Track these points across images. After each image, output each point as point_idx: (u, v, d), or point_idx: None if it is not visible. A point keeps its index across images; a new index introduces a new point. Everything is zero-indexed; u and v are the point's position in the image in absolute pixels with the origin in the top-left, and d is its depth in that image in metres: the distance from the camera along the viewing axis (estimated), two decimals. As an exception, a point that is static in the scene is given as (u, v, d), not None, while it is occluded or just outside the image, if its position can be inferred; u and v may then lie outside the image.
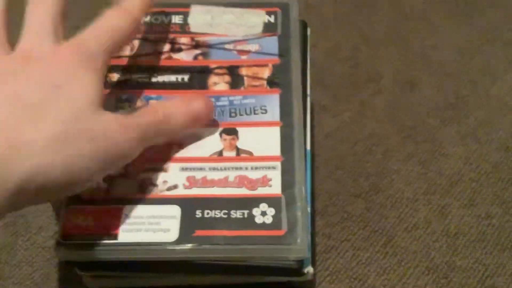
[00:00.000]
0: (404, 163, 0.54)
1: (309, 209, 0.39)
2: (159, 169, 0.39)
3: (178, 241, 0.36)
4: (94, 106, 0.34)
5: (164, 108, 0.38)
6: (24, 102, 0.32)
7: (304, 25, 0.48)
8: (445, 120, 0.57)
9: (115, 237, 0.36)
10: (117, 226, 0.36)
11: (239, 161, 0.39)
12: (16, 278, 0.47)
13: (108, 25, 0.37)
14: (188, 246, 0.36)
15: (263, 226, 0.36)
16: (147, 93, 0.42)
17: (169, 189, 0.38)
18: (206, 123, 0.40)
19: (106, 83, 0.41)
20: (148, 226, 0.36)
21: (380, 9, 0.67)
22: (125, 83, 0.42)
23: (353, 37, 0.64)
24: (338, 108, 0.58)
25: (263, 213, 0.37)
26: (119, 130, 0.34)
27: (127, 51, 0.44)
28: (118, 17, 0.38)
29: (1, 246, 0.49)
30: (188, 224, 0.36)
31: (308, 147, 0.42)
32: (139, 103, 0.42)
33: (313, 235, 0.47)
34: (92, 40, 0.36)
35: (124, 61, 0.43)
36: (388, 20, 0.65)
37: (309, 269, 0.38)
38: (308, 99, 0.45)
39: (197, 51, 0.44)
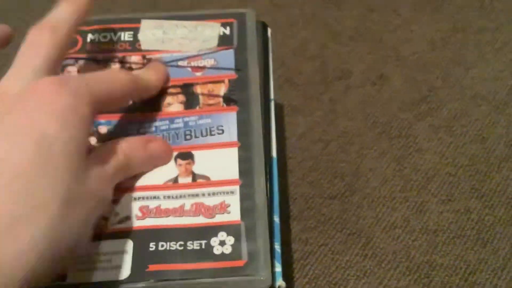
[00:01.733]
0: (379, 161, 0.52)
1: (277, 219, 0.36)
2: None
3: (130, 278, 0.32)
4: (82, 167, 0.30)
5: (124, 149, 0.34)
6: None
7: (263, 26, 0.43)
8: (418, 114, 0.54)
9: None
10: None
11: (195, 187, 0.35)
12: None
13: (108, 77, 0.34)
14: (141, 284, 0.32)
15: (222, 257, 0.33)
16: (95, 118, 0.37)
17: (120, 221, 0.34)
18: (164, 164, 0.36)
19: None
20: (99, 264, 0.32)
21: (347, 3, 0.64)
22: None
23: (320, 34, 0.62)
24: (309, 107, 0.56)
25: (222, 243, 0.33)
26: (101, 185, 0.32)
27: (73, 73, 0.40)
28: (124, 75, 0.35)
29: None
30: (141, 259, 0.32)
31: (274, 154, 0.38)
32: None
33: (288, 243, 0.45)
34: (83, 84, 0.32)
35: None
36: (356, 15, 0.62)
37: (281, 284, 0.34)
38: (272, 103, 0.41)
39: None
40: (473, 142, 0.51)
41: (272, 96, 0.42)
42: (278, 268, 0.34)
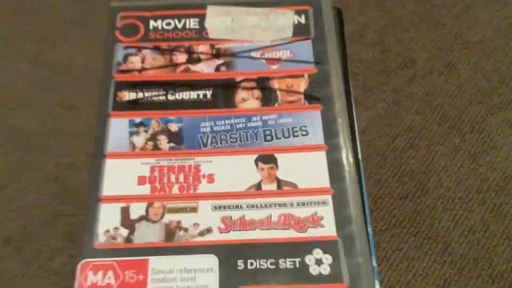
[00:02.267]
0: (451, 158, 0.48)
1: (370, 230, 0.33)
2: (187, 208, 0.32)
3: None
4: None
5: None
6: None
7: (339, 13, 0.39)
8: (490, 107, 0.50)
9: None
10: (143, 284, 0.29)
11: (282, 196, 0.32)
12: (30, 313, 0.41)
13: None
14: None
15: (320, 278, 0.29)
16: (164, 114, 0.35)
17: (201, 233, 0.31)
18: None
19: (116, 104, 0.35)
20: (181, 283, 0.29)
21: (405, -14, 0.60)
22: (138, 103, 0.35)
23: (379, 18, 0.58)
24: (371, 99, 0.52)
25: (318, 262, 0.30)
26: None
27: (137, 64, 0.37)
28: None
29: (11, 275, 0.43)
30: (228, 278, 0.29)
31: (360, 155, 0.35)
32: (156, 126, 0.34)
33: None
34: None
35: (135, 76, 0.36)
36: None
37: None
38: (352, 98, 0.37)
39: (219, 61, 0.37)
40: (552, 138, 0.47)
41: (352, 87, 0.38)
42: (377, 286, 0.31)
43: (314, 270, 0.30)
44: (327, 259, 0.30)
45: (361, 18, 0.56)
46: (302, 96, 0.35)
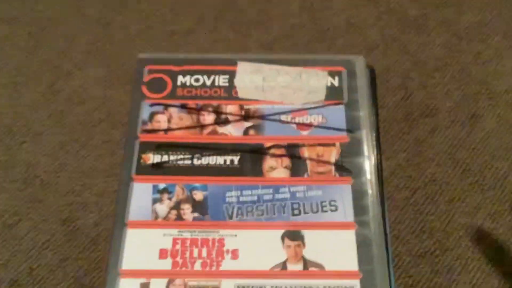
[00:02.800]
0: (472, 216, 0.47)
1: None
2: (209, 287, 0.31)
3: None
4: None
5: None
6: None
7: (372, 72, 0.39)
8: (514, 163, 0.50)
9: None
10: None
11: (308, 278, 0.31)
12: None
13: None
14: None
15: None
16: (189, 180, 0.34)
17: None
18: None
19: (140, 166, 0.34)
20: None
21: (432, 29, 0.58)
22: (163, 167, 0.34)
23: (403, 62, 0.57)
24: (392, 148, 0.51)
25: None
26: None
27: (163, 123, 0.36)
28: None
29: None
30: None
31: (388, 230, 0.34)
32: (180, 194, 0.33)
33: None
34: None
35: (160, 137, 0.35)
36: (441, 42, 0.56)
37: None
38: (382, 165, 0.37)
39: (248, 124, 0.36)
40: None
41: (381, 156, 0.37)
42: None
43: None
44: None
45: (385, 61, 0.55)
46: (332, 167, 0.34)
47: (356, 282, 0.30)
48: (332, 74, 0.37)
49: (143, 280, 0.30)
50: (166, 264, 0.31)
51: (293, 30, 0.57)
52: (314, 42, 0.56)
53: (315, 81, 0.37)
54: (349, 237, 0.32)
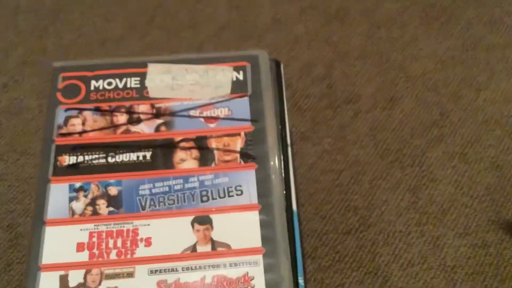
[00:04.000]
0: (392, 192, 0.50)
1: (301, 281, 0.35)
2: (124, 274, 0.33)
3: None
4: None
5: None
6: None
7: (277, 64, 0.40)
8: (431, 140, 0.53)
9: None
10: None
11: (216, 257, 0.33)
12: None
13: None
14: None
15: None
16: (104, 178, 0.36)
17: None
18: None
19: (56, 168, 0.36)
20: None
21: (352, 20, 0.61)
22: (78, 167, 0.36)
23: (326, 54, 0.61)
24: (318, 134, 0.54)
25: None
26: None
27: (78, 126, 0.38)
28: None
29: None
30: None
31: (295, 207, 0.36)
32: (95, 191, 0.35)
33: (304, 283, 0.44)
34: None
35: (75, 139, 0.37)
36: (362, 32, 0.59)
37: None
38: (289, 150, 0.38)
39: (159, 121, 0.38)
40: (488, 170, 0.50)
41: (289, 140, 0.40)
42: None
43: None
44: None
45: (309, 54, 0.58)
46: (238, 155, 0.36)
47: (259, 257, 0.33)
48: (237, 69, 0.40)
49: (62, 272, 0.32)
50: (83, 256, 0.33)
51: (222, 30, 0.60)
52: (242, 40, 0.59)
53: (221, 76, 0.39)
54: (253, 217, 0.34)
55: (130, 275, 0.32)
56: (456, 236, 0.46)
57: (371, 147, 0.51)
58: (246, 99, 0.39)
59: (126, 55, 0.56)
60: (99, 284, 0.32)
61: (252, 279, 0.32)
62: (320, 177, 0.50)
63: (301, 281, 0.34)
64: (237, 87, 0.39)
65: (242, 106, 0.38)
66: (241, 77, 0.39)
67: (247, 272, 0.33)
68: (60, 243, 0.33)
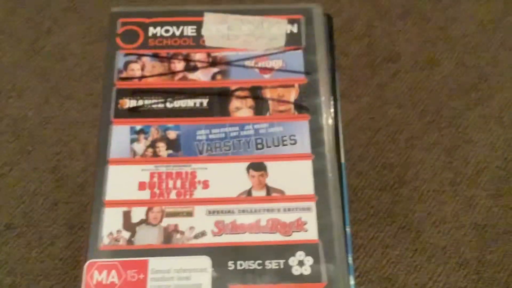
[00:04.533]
0: (428, 152, 0.52)
1: (349, 230, 0.37)
2: (184, 213, 0.34)
3: None
4: None
5: None
6: None
7: (329, 20, 0.41)
8: (468, 103, 0.53)
9: None
10: (144, 283, 0.32)
11: (271, 202, 0.35)
12: (35, 293, 0.46)
13: None
14: None
15: (301, 278, 0.33)
16: (163, 122, 0.37)
17: (196, 236, 0.34)
18: None
19: (117, 111, 0.37)
20: (178, 282, 0.32)
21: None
22: (138, 110, 0.38)
23: (367, 11, 0.61)
24: (357, 92, 0.55)
25: (300, 263, 0.33)
26: None
27: (137, 71, 0.39)
28: None
29: (15, 259, 0.47)
30: (220, 278, 0.33)
31: (343, 159, 0.38)
32: (155, 134, 0.37)
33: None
34: None
35: (135, 84, 0.38)
36: None
37: None
38: (339, 104, 0.40)
39: (215, 70, 0.39)
40: (523, 135, 0.51)
41: (338, 95, 0.41)
42: (352, 281, 0.35)
43: (296, 270, 0.33)
44: (309, 260, 0.33)
45: (349, 11, 0.59)
46: (292, 106, 0.38)
47: (312, 204, 0.35)
48: (291, 21, 0.40)
49: (125, 209, 0.34)
50: (145, 195, 0.35)
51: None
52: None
53: (275, 28, 0.40)
54: (306, 166, 0.36)
55: (190, 214, 0.34)
56: (489, 197, 0.48)
57: (409, 107, 0.52)
58: (300, 52, 0.40)
59: (168, 3, 0.57)
60: (160, 221, 0.34)
61: (305, 223, 0.34)
62: (357, 134, 0.51)
63: (348, 229, 0.36)
64: (291, 40, 0.40)
65: (296, 59, 0.39)
66: (295, 29, 0.40)
67: (300, 217, 0.34)
68: (122, 182, 0.35)
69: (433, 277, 0.45)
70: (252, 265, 0.33)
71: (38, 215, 0.47)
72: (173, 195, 0.35)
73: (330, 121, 0.37)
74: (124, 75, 0.38)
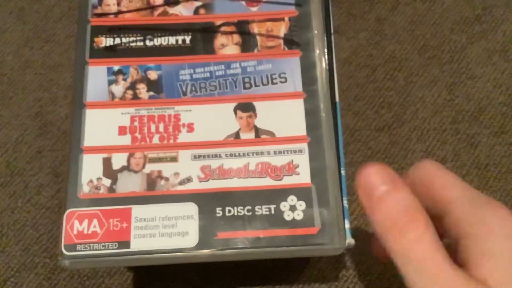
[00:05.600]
0: (429, 89, 0.50)
1: (343, 172, 0.35)
2: (167, 158, 0.33)
3: (198, 246, 0.31)
4: None
5: None
6: None
7: None
8: (471, 36, 0.51)
9: (126, 245, 0.31)
10: (127, 232, 0.31)
11: (260, 144, 0.33)
12: (22, 244, 0.44)
13: None
14: (209, 251, 0.31)
15: (293, 223, 0.31)
16: (143, 61, 0.35)
17: (181, 182, 0.32)
18: None
19: (93, 50, 0.35)
20: (163, 230, 0.31)
21: None
22: (115, 49, 0.35)
23: None
24: (354, 28, 0.52)
25: (292, 208, 0.32)
26: None
27: (113, 7, 0.36)
28: None
29: (1, 209, 0.46)
30: (208, 226, 0.31)
31: (337, 98, 0.36)
32: (134, 75, 0.34)
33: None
34: None
35: (111, 20, 0.36)
36: None
37: (350, 241, 0.32)
38: (332, 38, 0.37)
39: (198, 3, 0.36)
40: (528, 69, 0.49)
41: (332, 29, 0.39)
42: (347, 225, 0.34)
43: (288, 216, 0.31)
44: (301, 205, 0.32)
45: None
46: (282, 41, 0.35)
47: (305, 146, 0.33)
48: None
49: (105, 155, 0.33)
50: (125, 140, 0.33)
51: None
52: None
53: None
54: (298, 105, 0.34)
55: (174, 159, 0.33)
56: (491, 134, 0.46)
57: (409, 43, 0.50)
58: None
59: None
60: (143, 167, 0.33)
61: (297, 167, 0.32)
62: (354, 73, 0.49)
63: (343, 172, 0.34)
64: None
65: None
66: None
67: (292, 160, 0.33)
68: (101, 126, 0.33)
69: (433, 218, 0.43)
70: (242, 211, 0.31)
71: (22, 163, 0.46)
72: (155, 140, 0.33)
73: (324, 57, 0.35)
74: (98, 10, 0.36)
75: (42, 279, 0.42)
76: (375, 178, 0.28)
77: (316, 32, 0.35)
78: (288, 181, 0.32)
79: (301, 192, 0.32)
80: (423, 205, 0.29)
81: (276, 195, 0.32)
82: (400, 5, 0.51)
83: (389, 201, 0.27)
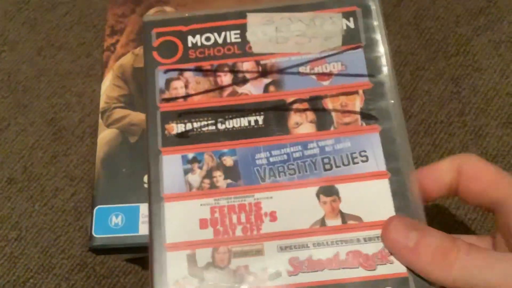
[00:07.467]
0: (435, 83, 0.50)
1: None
2: (253, 251, 0.31)
3: None
4: None
5: None
6: None
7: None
8: (477, 28, 0.51)
9: None
10: None
11: (348, 231, 0.31)
12: (40, 246, 0.46)
13: None
14: None
15: None
16: (216, 146, 0.33)
17: (271, 278, 0.30)
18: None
19: (165, 138, 0.33)
20: None
21: None
22: (188, 135, 0.33)
23: None
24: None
25: None
26: None
27: (180, 90, 0.33)
28: None
29: (19, 213, 0.47)
30: None
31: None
32: (210, 162, 0.33)
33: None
34: None
35: (180, 105, 0.33)
36: None
37: None
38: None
39: (267, 80, 0.34)
40: (533, 59, 0.49)
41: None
42: None
43: None
44: None
45: None
46: (358, 116, 0.33)
47: None
48: (346, 15, 0.35)
49: (188, 251, 0.31)
50: (208, 234, 0.31)
51: None
52: None
53: (329, 25, 0.34)
54: (383, 186, 0.32)
55: (260, 252, 0.31)
56: (499, 125, 0.47)
57: (414, 37, 0.50)
58: (360, 50, 0.35)
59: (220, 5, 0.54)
60: (228, 263, 0.31)
61: (390, 255, 0.31)
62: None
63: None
64: (349, 37, 0.35)
65: (357, 59, 0.34)
66: (351, 24, 0.35)
67: (384, 247, 0.31)
68: (182, 220, 0.32)
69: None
70: None
71: (38, 168, 0.47)
72: (239, 232, 0.32)
73: (403, 129, 0.33)
74: (167, 95, 0.33)
75: (60, 279, 0.43)
76: (401, 230, 0.30)
77: (392, 101, 0.34)
78: (382, 271, 0.31)
79: (397, 283, 0.31)
80: (471, 199, 0.31)
81: (371, 286, 0.31)
82: (404, 0, 0.52)
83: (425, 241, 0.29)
